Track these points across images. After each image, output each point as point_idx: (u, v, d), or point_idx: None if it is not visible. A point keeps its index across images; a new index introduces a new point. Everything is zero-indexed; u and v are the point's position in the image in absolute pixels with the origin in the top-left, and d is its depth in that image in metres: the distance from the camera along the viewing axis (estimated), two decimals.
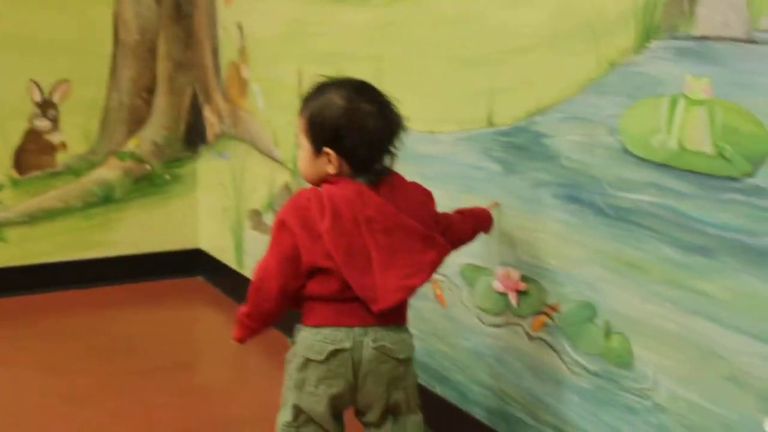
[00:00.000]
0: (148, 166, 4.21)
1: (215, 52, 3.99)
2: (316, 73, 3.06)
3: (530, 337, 2.18)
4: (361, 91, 1.95)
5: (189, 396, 2.90)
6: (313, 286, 1.92)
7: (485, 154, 2.29)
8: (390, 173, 1.96)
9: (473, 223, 2.19)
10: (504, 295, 2.25)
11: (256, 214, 3.69)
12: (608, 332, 1.94)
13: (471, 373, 2.41)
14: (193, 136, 4.26)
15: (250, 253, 3.76)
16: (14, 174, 3.94)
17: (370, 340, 1.90)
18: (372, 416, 1.98)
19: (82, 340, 3.41)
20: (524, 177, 2.15)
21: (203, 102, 4.17)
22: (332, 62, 2.98)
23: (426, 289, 2.53)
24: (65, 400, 2.85)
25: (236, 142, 3.84)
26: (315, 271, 1.91)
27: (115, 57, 4.09)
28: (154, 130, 4.21)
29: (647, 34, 1.82)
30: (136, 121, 4.17)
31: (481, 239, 2.28)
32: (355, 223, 1.88)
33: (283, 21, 3.34)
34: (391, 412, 1.98)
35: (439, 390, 2.55)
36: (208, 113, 4.13)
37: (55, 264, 4.04)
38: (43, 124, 3.97)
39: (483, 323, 2.34)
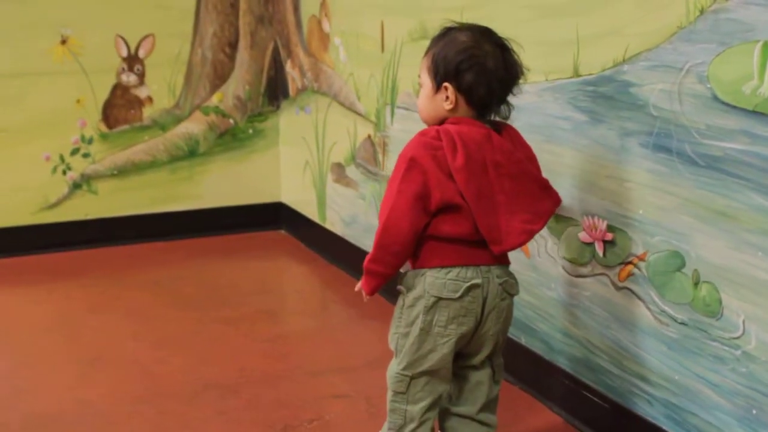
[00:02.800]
0: (231, 121, 4.28)
1: (296, 5, 4.02)
2: (399, 24, 3.09)
3: (616, 287, 2.18)
4: (485, 34, 2.00)
5: (274, 343, 2.97)
6: (444, 227, 1.94)
7: (571, 104, 2.28)
8: (507, 125, 2.02)
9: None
10: (590, 245, 2.25)
11: (338, 168, 3.73)
12: (697, 281, 1.93)
13: (556, 324, 2.43)
14: (275, 90, 4.31)
15: (332, 207, 3.81)
16: (103, 128, 4.05)
17: (495, 277, 1.97)
18: (479, 357, 2.04)
19: (171, 290, 3.51)
20: (611, 126, 2.14)
21: (285, 56, 4.21)
22: (415, 14, 2.98)
23: None
24: (156, 345, 2.95)
25: (318, 96, 3.88)
26: (444, 210, 1.93)
27: (198, 12, 4.15)
28: (237, 85, 4.27)
29: None
30: (220, 76, 4.24)
31: (566, 190, 2.28)
32: (483, 165, 1.92)
33: None
34: (492, 353, 2.04)
35: (524, 340, 2.57)
36: (289, 68, 4.17)
37: (143, 216, 4.16)
38: (129, 78, 4.07)
39: (568, 273, 2.35)
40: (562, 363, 2.42)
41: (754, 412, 1.83)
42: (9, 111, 3.87)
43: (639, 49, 2.04)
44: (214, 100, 4.23)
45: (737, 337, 1.85)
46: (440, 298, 1.95)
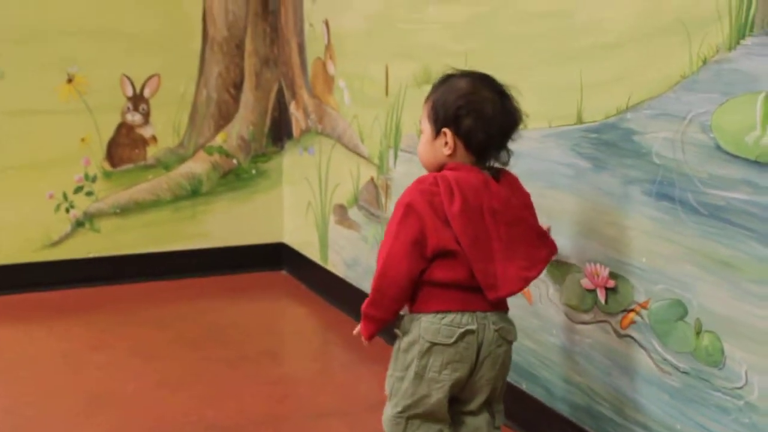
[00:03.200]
0: (234, 161, 4.29)
1: (301, 48, 4.05)
2: (404, 68, 3.11)
3: (619, 335, 2.17)
4: (484, 80, 2.04)
5: (275, 385, 2.96)
6: (439, 273, 1.96)
7: (574, 150, 2.29)
8: (506, 171, 2.04)
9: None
10: (592, 292, 2.25)
11: (341, 209, 3.74)
12: (699, 330, 1.93)
13: (558, 370, 2.42)
14: (279, 131, 4.33)
15: (334, 248, 3.81)
16: (107, 166, 4.06)
17: (491, 323, 1.98)
18: (475, 403, 2.04)
19: (172, 329, 3.50)
20: (614, 174, 2.15)
21: (289, 98, 4.23)
22: (419, 58, 3.00)
23: None
24: (157, 385, 2.94)
25: (322, 138, 3.89)
26: (440, 256, 1.94)
27: (203, 53, 4.18)
28: (241, 125, 4.29)
29: (742, 30, 1.80)
30: (224, 116, 4.26)
31: (568, 236, 2.29)
32: (480, 211, 1.94)
33: (370, 17, 3.38)
34: (490, 399, 2.04)
35: (525, 387, 2.55)
36: (293, 109, 4.19)
37: (146, 255, 4.16)
38: (134, 118, 4.09)
39: (570, 320, 2.34)
40: (563, 410, 2.40)
41: None
42: (14, 148, 3.89)
43: (642, 97, 2.05)
44: (218, 140, 4.25)
45: (740, 387, 1.84)
46: (434, 344, 1.96)
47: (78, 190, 4.02)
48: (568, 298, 2.34)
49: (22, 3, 3.83)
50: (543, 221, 2.37)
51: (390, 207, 3.29)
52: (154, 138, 4.13)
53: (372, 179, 3.44)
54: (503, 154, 2.03)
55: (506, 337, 2.02)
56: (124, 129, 4.08)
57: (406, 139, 3.15)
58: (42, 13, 3.86)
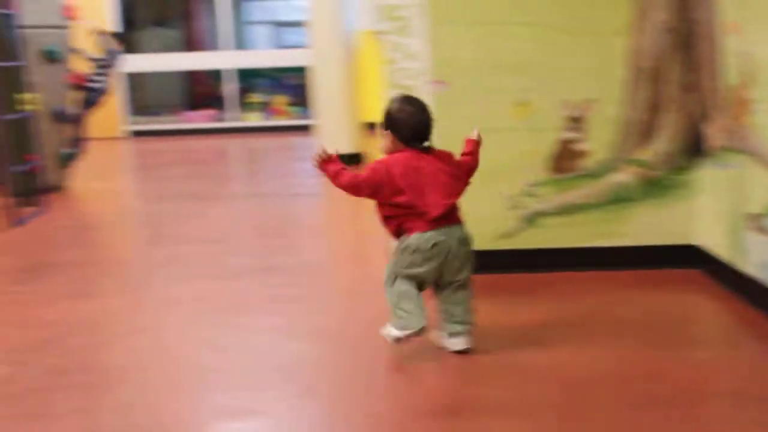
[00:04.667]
0: (655, 172, 4.20)
1: (716, 75, 3.87)
2: None
3: None
4: (408, 100, 3.02)
5: (697, 367, 2.86)
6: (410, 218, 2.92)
7: None
8: (434, 148, 3.01)
9: (475, 158, 3.15)
10: None
11: (755, 218, 3.52)
12: None
13: None
14: (696, 147, 4.16)
15: (749, 252, 3.59)
16: (549, 174, 4.17)
17: (455, 234, 2.91)
18: (448, 286, 2.94)
19: (601, 314, 3.51)
20: None
21: (705, 119, 4.06)
22: None
23: None
24: (605, 360, 2.96)
25: (736, 154, 3.69)
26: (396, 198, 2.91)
27: (632, 81, 4.14)
28: (662, 142, 4.19)
29: None
30: (647, 134, 4.18)
31: None
32: (414, 170, 2.91)
33: None
34: (459, 285, 2.95)
35: None
36: (709, 128, 4.02)
37: (577, 249, 4.21)
38: (572, 135, 4.16)
39: None
40: None
41: None
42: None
43: None
44: (641, 154, 4.18)
45: None
46: (417, 249, 2.89)
47: (525, 193, 4.17)
48: None
49: (483, 46, 4.05)
50: None
51: None
52: (588, 152, 4.17)
53: None
54: (424, 144, 2.97)
55: (464, 242, 2.93)
56: (563, 144, 4.16)
57: None
58: (498, 55, 4.07)
